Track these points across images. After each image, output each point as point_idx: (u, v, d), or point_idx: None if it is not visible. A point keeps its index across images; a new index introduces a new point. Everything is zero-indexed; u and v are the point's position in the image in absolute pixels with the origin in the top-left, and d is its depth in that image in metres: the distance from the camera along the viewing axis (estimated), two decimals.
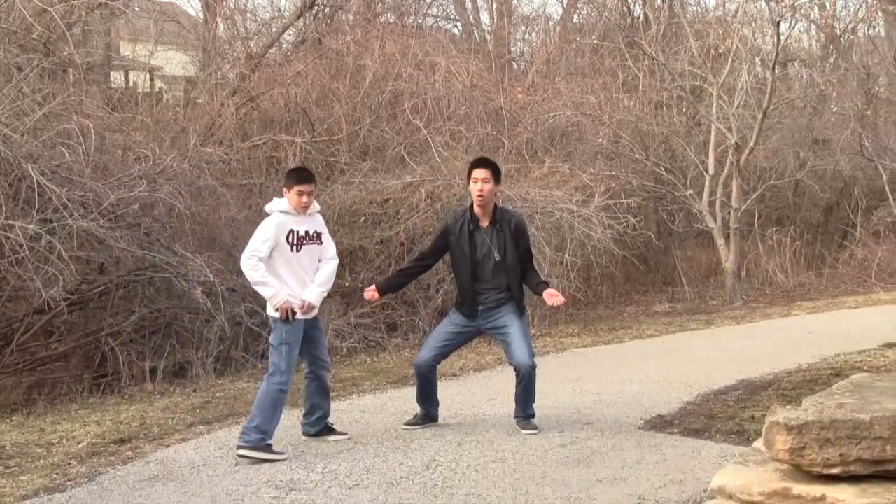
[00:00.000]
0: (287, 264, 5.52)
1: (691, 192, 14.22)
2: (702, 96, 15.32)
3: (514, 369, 5.81)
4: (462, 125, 12.67)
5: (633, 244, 13.41)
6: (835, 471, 3.35)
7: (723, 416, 6.00)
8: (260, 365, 8.77)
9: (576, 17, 20.00)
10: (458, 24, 20.69)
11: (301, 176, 5.64)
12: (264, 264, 5.45)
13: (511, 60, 18.90)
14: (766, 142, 15.72)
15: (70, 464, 5.49)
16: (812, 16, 16.84)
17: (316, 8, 15.49)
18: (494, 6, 19.11)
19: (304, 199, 5.53)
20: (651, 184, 14.73)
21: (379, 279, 8.95)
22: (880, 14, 17.80)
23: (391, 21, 16.66)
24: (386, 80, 12.97)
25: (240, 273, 9.04)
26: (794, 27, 16.11)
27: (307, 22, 15.44)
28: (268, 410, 5.39)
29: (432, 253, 6.20)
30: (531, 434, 5.70)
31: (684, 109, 16.53)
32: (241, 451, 5.32)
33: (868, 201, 16.76)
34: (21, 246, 7.57)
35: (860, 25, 18.21)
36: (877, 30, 19.23)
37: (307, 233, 5.59)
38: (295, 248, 5.52)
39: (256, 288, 5.57)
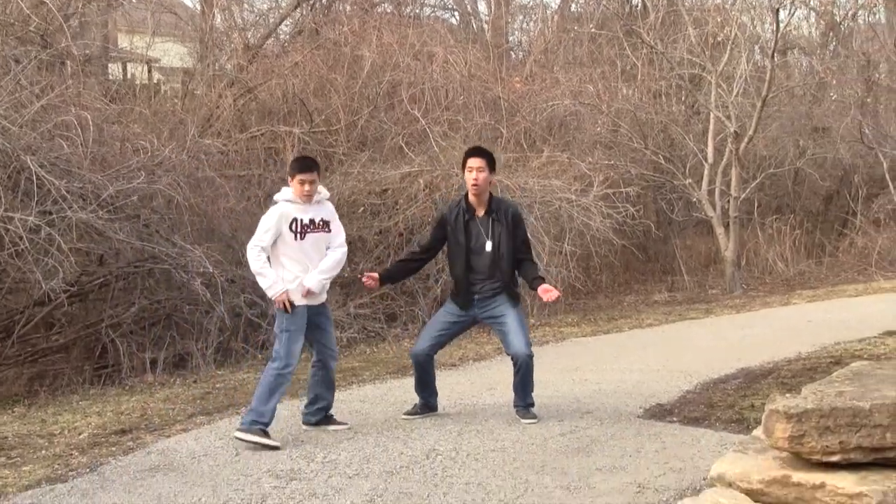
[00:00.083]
0: (291, 252, 5.55)
1: (690, 180, 14.21)
2: (700, 85, 15.29)
3: (512, 359, 5.82)
4: (460, 115, 12.65)
5: (633, 233, 13.40)
6: (834, 458, 3.36)
7: (722, 404, 6.01)
8: (260, 356, 8.79)
9: (573, 5, 19.94)
10: (456, 13, 20.66)
11: (303, 165, 5.66)
12: (266, 254, 5.51)
13: (509, 50, 18.87)
14: (766, 130, 15.70)
15: (72, 454, 5.51)
16: (812, 3, 16.81)
17: None
18: None
19: (307, 187, 5.55)
20: (650, 173, 14.71)
21: (379, 269, 8.95)
22: (880, 1, 17.74)
23: (388, 11, 16.60)
24: (383, 70, 12.94)
25: (239, 264, 9.11)
26: (793, 14, 16.05)
27: (304, 12, 15.41)
28: (264, 395, 5.45)
29: (432, 244, 6.19)
30: (531, 423, 5.71)
31: (683, 98, 16.50)
32: (236, 434, 5.43)
33: (868, 189, 16.74)
34: (21, 238, 7.57)
35: (860, 12, 18.17)
36: (877, 17, 19.21)
37: (312, 221, 5.60)
38: (298, 236, 5.54)
39: (257, 278, 5.63)
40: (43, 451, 5.64)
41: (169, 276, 8.88)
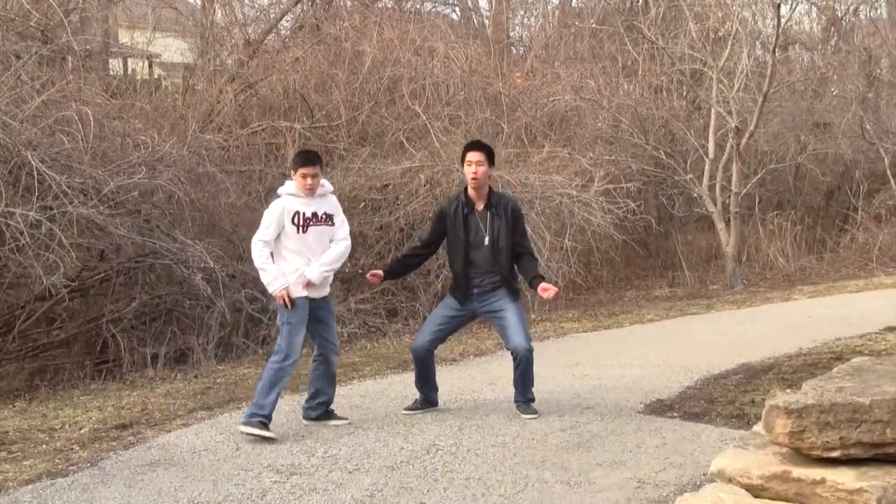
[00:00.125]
0: (293, 245, 5.57)
1: (691, 176, 14.20)
2: (702, 80, 15.27)
3: (511, 353, 5.82)
4: (461, 110, 12.64)
5: (633, 229, 13.39)
6: (834, 454, 3.37)
7: (723, 400, 6.02)
8: (261, 351, 8.80)
9: (574, 1, 19.92)
10: (457, 8, 20.61)
11: (305, 159, 5.68)
12: (270, 248, 5.55)
13: (510, 45, 18.83)
14: (767, 125, 15.68)
15: (72, 449, 5.52)
16: None
17: None
18: None
19: (309, 181, 5.57)
20: (651, 168, 14.70)
21: (381, 265, 8.95)
22: None
23: (389, 6, 16.58)
24: (384, 65, 12.92)
25: (240, 259, 9.12)
26: (794, 9, 16.01)
27: (305, 8, 15.39)
28: (265, 387, 5.49)
29: (432, 238, 6.19)
30: (531, 418, 5.71)
31: (684, 93, 16.48)
32: (240, 428, 5.48)
33: (869, 185, 16.71)
34: (22, 233, 7.58)
35: (862, 7, 18.10)
36: (878, 11, 19.16)
37: (315, 214, 5.61)
38: (301, 229, 5.56)
39: (259, 273, 5.65)
40: (44, 446, 5.65)
41: (170, 272, 8.88)
